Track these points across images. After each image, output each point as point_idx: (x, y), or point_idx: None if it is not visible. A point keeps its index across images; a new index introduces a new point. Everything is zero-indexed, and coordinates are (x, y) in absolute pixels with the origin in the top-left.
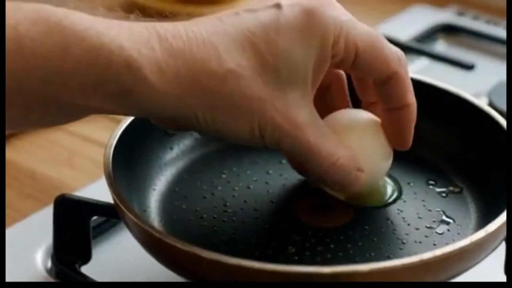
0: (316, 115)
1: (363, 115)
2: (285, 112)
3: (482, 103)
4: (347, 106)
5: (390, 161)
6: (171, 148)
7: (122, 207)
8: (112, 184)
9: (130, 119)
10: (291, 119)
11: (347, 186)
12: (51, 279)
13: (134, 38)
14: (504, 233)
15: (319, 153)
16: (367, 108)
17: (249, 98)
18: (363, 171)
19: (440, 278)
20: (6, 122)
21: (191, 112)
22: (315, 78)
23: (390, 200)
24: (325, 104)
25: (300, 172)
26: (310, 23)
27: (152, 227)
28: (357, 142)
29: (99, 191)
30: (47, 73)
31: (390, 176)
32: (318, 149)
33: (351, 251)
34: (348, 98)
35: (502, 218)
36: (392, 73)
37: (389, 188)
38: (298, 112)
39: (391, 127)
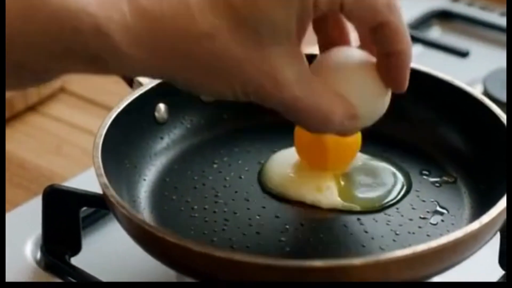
0: (305, 69)
1: (356, 53)
2: (268, 72)
3: (476, 91)
4: (346, 39)
5: (387, 100)
6: (162, 138)
7: (111, 199)
8: (101, 175)
9: (120, 108)
10: (275, 79)
11: (342, 135)
12: (40, 270)
13: (101, 1)
14: (499, 224)
15: (310, 110)
16: (364, 47)
17: (226, 60)
18: (358, 117)
19: (434, 270)
20: None
21: (168, 75)
22: (299, 32)
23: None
24: (322, 38)
25: (294, 123)
26: None
27: (142, 220)
28: (350, 82)
29: (89, 180)
30: (14, 39)
31: (400, 168)
32: (308, 107)
33: (343, 242)
34: (347, 30)
35: (497, 209)
36: (382, 21)
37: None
38: (283, 70)
39: (386, 70)
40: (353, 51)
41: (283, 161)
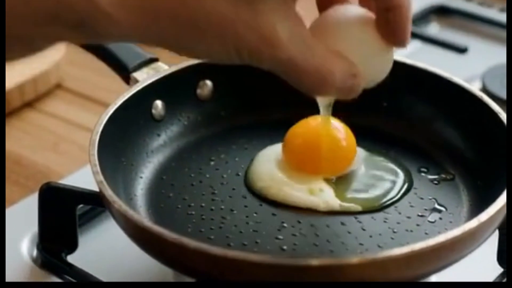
0: (301, 27)
1: (355, 11)
2: (260, 31)
3: (475, 88)
4: None
5: (389, 59)
6: (159, 135)
7: (107, 197)
8: (97, 173)
9: (117, 104)
10: (269, 38)
11: (344, 96)
12: (36, 268)
13: None
14: (497, 222)
15: (308, 71)
16: (362, 4)
17: (215, 19)
18: (359, 75)
19: (432, 268)
20: None
21: (158, 37)
22: None
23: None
24: None
25: (294, 86)
26: None
27: (138, 218)
28: (349, 40)
29: (86, 177)
30: None
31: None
32: (306, 67)
33: (341, 241)
34: None
35: (495, 207)
36: None
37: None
38: (276, 28)
39: (386, 26)
40: (351, 9)
41: (268, 166)
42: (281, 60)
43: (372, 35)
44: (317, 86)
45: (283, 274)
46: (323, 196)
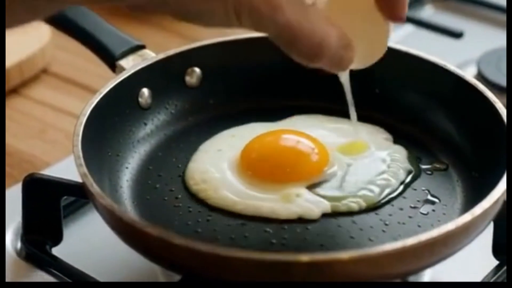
0: None
1: None
2: None
3: (470, 76)
4: None
5: (385, 34)
6: (145, 124)
7: (91, 190)
8: (81, 165)
9: (102, 93)
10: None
11: (334, 67)
12: (20, 261)
13: None
14: (492, 215)
15: (303, 36)
16: None
17: None
18: (351, 47)
19: (425, 263)
20: None
21: None
22: None
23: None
24: None
25: (287, 52)
26: None
27: (122, 212)
28: (345, 13)
29: (74, 166)
30: None
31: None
32: (301, 30)
33: (331, 234)
34: None
35: (490, 199)
36: None
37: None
38: None
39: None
40: None
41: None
42: (278, 22)
43: (369, 9)
44: (310, 53)
45: (271, 271)
46: (304, 202)
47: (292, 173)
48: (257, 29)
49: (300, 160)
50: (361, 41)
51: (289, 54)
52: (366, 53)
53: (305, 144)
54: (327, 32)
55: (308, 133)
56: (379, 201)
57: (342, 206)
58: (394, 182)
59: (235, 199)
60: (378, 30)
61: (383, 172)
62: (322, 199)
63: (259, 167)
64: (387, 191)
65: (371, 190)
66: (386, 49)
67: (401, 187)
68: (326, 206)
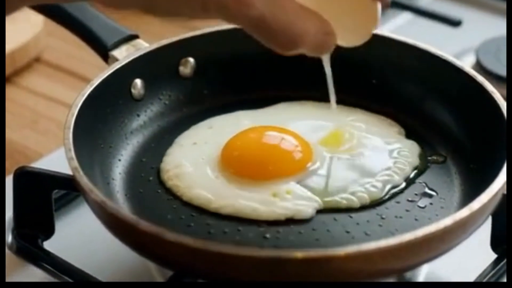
0: None
1: None
2: None
3: (468, 67)
4: None
5: (373, 13)
6: (138, 115)
7: (82, 185)
8: (72, 159)
9: (94, 85)
10: None
11: (315, 53)
12: (11, 255)
13: None
14: (490, 210)
15: (279, 29)
16: None
17: None
18: (332, 33)
19: (422, 259)
20: None
21: None
22: None
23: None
24: None
25: (265, 44)
26: None
27: (113, 207)
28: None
29: (65, 157)
30: None
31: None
32: (277, 25)
33: (327, 228)
34: None
35: (489, 193)
36: None
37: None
38: None
39: None
40: None
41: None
42: (251, 17)
43: None
44: (287, 45)
45: (264, 267)
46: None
47: (276, 170)
48: (230, 23)
49: (283, 157)
50: (345, 18)
51: (266, 46)
52: (351, 30)
53: (288, 141)
54: (304, 22)
55: (290, 129)
56: (382, 197)
57: (342, 201)
58: (398, 178)
59: (210, 197)
60: (363, 7)
61: (388, 168)
62: (312, 195)
63: (241, 165)
64: (388, 186)
65: (374, 186)
66: (377, 26)
67: (404, 183)
68: (319, 203)
